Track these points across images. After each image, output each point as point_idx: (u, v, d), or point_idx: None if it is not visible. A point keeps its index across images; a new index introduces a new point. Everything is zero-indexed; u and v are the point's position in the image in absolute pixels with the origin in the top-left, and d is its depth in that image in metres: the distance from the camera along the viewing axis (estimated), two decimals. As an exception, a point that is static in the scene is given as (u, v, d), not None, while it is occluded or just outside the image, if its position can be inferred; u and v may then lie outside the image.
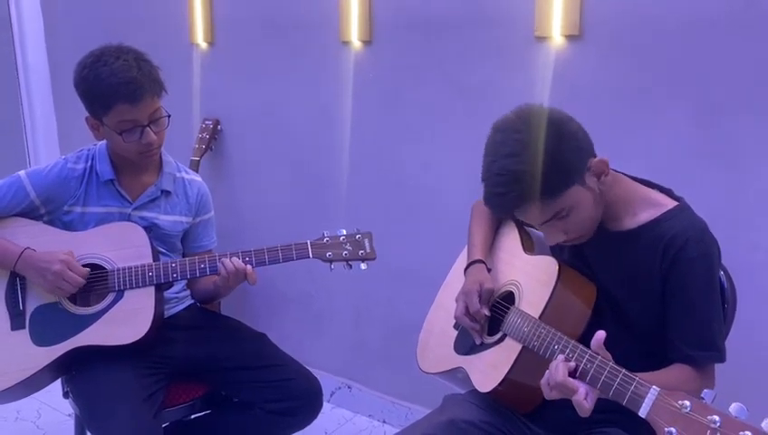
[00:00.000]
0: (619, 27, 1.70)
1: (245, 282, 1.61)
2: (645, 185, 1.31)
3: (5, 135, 3.29)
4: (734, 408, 0.90)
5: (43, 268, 1.55)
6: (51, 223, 1.67)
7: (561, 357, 1.13)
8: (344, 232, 1.66)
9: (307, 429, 1.75)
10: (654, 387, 1.00)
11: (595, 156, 1.23)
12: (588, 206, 1.22)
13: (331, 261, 1.64)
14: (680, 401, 0.95)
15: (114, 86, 1.53)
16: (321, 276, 2.40)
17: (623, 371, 1.05)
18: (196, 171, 2.40)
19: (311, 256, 1.63)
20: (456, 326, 1.51)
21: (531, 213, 1.22)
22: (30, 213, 1.66)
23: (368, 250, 1.65)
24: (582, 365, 1.10)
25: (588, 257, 1.33)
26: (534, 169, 1.15)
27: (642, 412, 1.00)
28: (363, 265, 1.66)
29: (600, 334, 1.10)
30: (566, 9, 1.73)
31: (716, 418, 0.90)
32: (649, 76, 1.69)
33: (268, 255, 1.62)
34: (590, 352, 1.11)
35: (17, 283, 1.61)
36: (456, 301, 1.44)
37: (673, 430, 0.94)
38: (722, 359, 1.23)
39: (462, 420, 1.34)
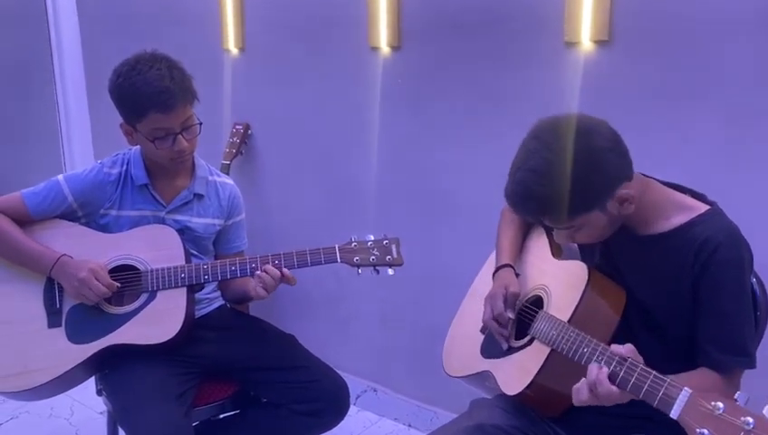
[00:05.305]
0: (649, 32, 1.69)
1: (283, 283, 1.62)
2: (676, 190, 1.30)
3: (43, 139, 3.38)
4: (767, 410, 0.89)
5: (71, 274, 1.60)
6: (87, 225, 1.72)
7: (597, 366, 1.13)
8: (372, 237, 1.68)
9: (333, 431, 1.77)
10: (686, 388, 0.99)
11: (630, 177, 1.21)
12: (601, 226, 1.24)
13: (358, 266, 1.65)
14: (713, 403, 0.94)
15: (148, 95, 1.56)
16: (349, 280, 2.42)
17: (654, 372, 1.05)
18: (227, 175, 2.44)
19: (339, 260, 1.65)
20: (482, 330, 1.51)
21: (544, 219, 1.26)
22: (68, 215, 1.70)
23: (395, 256, 1.66)
24: (612, 368, 1.10)
25: (618, 262, 1.33)
26: (552, 194, 1.17)
27: (674, 414, 0.99)
28: (390, 271, 1.67)
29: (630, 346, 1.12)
30: (596, 14, 1.73)
31: (750, 419, 0.89)
32: (680, 81, 1.67)
33: (297, 258, 1.64)
34: (620, 354, 1.11)
35: (55, 282, 1.65)
36: (484, 305, 1.45)
37: (705, 431, 0.93)
38: (752, 365, 1.21)
39: (490, 424, 1.34)
